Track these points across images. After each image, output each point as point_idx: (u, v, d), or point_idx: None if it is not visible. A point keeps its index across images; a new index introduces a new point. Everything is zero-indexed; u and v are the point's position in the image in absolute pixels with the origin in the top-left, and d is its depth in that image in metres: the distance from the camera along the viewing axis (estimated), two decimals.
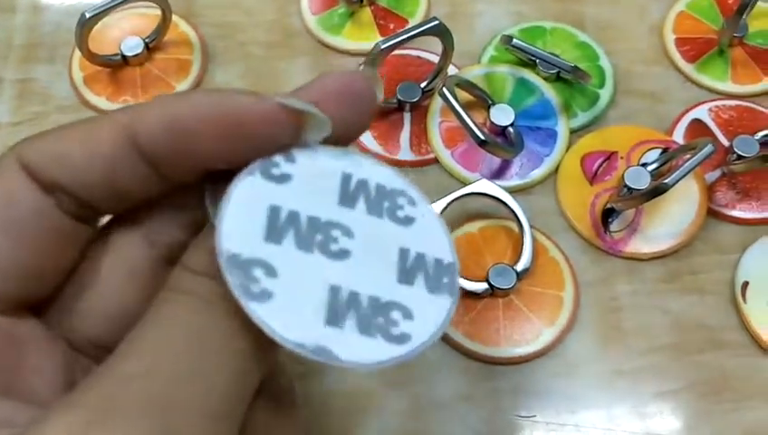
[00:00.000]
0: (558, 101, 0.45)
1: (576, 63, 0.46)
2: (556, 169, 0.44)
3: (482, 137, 0.39)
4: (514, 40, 0.43)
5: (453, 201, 0.40)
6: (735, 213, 0.42)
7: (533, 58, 0.45)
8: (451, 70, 0.47)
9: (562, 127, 0.45)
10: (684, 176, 0.39)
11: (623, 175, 0.42)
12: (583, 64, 0.47)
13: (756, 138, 0.43)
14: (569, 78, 0.45)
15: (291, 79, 0.47)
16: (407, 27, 0.42)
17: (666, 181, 0.39)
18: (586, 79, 0.44)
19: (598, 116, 0.46)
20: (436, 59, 0.45)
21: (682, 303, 0.40)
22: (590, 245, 0.42)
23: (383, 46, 0.41)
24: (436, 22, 0.41)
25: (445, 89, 0.40)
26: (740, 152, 0.43)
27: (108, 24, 0.47)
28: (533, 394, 0.38)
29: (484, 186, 0.41)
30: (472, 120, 0.40)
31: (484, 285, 0.39)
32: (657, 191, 0.39)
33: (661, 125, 0.45)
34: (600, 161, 0.44)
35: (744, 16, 0.48)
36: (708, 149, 0.39)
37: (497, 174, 0.44)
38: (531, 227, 0.42)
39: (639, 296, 0.41)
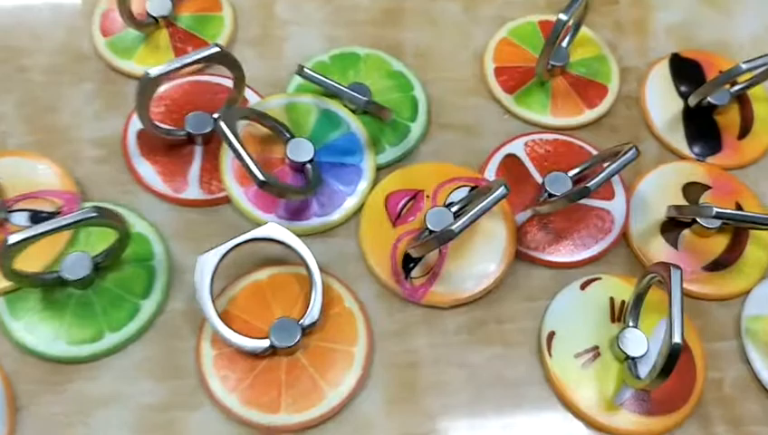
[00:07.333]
0: (365, 136, 0.42)
1: (387, 95, 0.43)
2: (361, 210, 0.40)
3: (261, 178, 0.35)
4: (305, 69, 0.39)
5: (233, 248, 0.36)
6: (546, 256, 0.40)
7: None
8: (254, 99, 0.43)
9: (368, 163, 0.41)
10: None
11: (425, 216, 0.39)
12: (395, 95, 0.44)
13: (569, 175, 0.41)
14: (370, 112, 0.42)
15: (72, 107, 0.42)
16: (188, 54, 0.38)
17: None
18: (385, 115, 0.40)
19: (408, 151, 0.42)
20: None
21: (483, 356, 0.37)
22: (389, 292, 0.38)
23: (152, 75, 0.36)
24: (216, 49, 0.37)
25: (221, 121, 0.36)
26: (551, 191, 0.40)
27: None
28: None
29: (271, 230, 0.37)
30: (251, 157, 0.36)
31: (264, 343, 0.35)
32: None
33: (475, 160, 0.42)
34: (404, 201, 0.40)
35: (564, 45, 0.46)
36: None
37: (296, 215, 0.40)
38: (327, 274, 0.38)
39: (438, 349, 0.37)
